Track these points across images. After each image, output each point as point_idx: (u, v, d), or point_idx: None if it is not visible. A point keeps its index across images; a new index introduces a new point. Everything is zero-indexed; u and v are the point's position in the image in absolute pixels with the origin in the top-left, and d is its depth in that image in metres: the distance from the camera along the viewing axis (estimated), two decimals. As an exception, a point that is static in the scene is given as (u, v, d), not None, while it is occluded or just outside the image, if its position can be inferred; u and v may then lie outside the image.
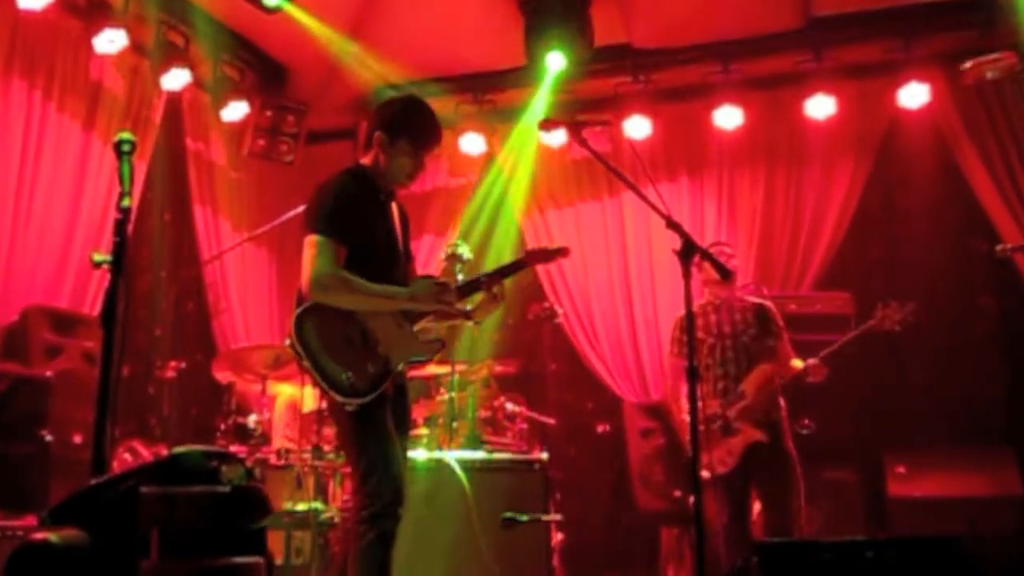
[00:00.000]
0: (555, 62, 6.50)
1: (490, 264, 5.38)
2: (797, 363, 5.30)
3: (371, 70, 6.91)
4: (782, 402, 5.33)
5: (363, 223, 3.75)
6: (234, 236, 7.18)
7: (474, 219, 7.66)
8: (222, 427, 5.71)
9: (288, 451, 5.62)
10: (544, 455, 5.47)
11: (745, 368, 5.28)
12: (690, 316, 3.60)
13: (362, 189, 3.83)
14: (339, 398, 3.57)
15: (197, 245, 7.14)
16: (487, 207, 7.71)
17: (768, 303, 5.55)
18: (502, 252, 7.38)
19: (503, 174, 7.74)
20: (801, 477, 5.21)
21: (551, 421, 6.34)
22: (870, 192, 7.20)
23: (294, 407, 6.22)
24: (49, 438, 5.00)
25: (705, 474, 5.36)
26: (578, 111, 7.31)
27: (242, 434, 5.66)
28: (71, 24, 5.93)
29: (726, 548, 5.17)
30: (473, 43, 6.93)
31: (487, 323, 6.72)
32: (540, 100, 7.16)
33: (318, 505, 5.31)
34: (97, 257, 2.94)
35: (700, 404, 5.08)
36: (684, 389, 4.90)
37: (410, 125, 3.89)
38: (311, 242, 3.65)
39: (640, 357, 7.44)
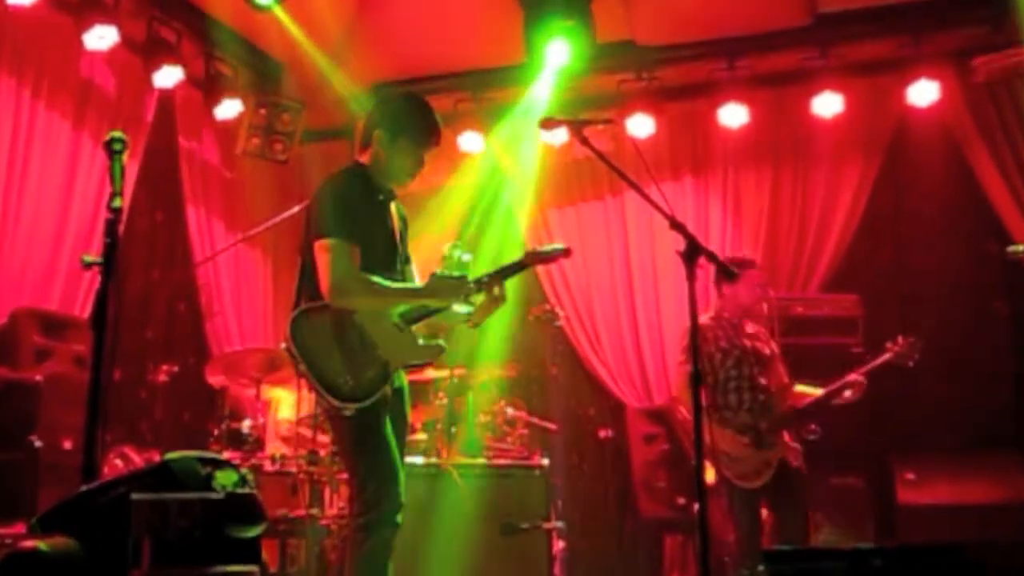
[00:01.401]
0: (557, 54, 6.48)
1: (483, 264, 5.38)
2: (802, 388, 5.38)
3: (350, 90, 6.95)
4: None
5: (363, 224, 3.76)
6: (228, 237, 7.17)
7: (466, 219, 7.67)
8: (215, 432, 5.71)
9: (283, 457, 5.62)
10: (545, 461, 5.47)
11: (768, 381, 5.33)
12: (694, 319, 3.60)
13: (361, 189, 3.84)
14: (336, 403, 3.58)
15: (190, 246, 7.13)
16: (482, 206, 7.72)
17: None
18: (500, 251, 7.35)
19: (499, 172, 7.75)
20: (805, 485, 5.26)
21: (552, 426, 6.34)
22: (879, 192, 7.20)
23: (289, 412, 6.22)
24: (38, 444, 4.99)
25: (709, 480, 5.40)
26: (580, 109, 7.31)
27: (236, 439, 5.66)
28: (60, 20, 5.93)
29: (739, 559, 5.18)
30: (472, 39, 6.93)
31: (486, 326, 6.71)
32: (541, 94, 7.13)
33: (314, 512, 5.31)
34: (87, 258, 2.95)
35: (730, 415, 5.20)
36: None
37: (410, 123, 3.90)
38: (324, 247, 3.65)
39: (643, 361, 7.44)
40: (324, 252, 3.65)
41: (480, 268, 4.03)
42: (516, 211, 7.79)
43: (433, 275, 3.84)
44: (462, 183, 7.82)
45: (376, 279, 3.68)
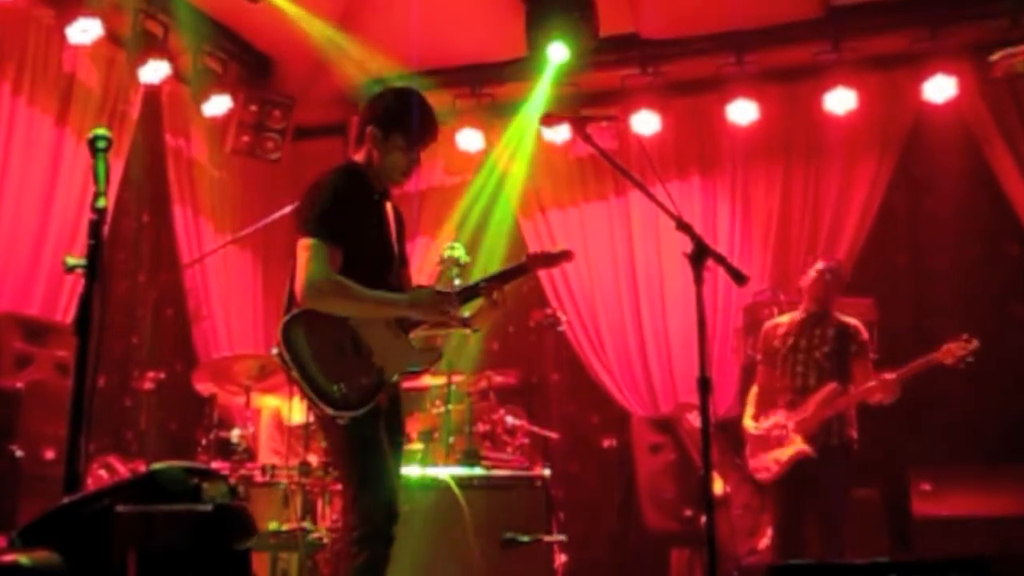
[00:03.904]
0: (557, 53, 6.50)
1: (482, 268, 5.39)
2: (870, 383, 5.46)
3: (360, 65, 6.92)
4: (852, 431, 5.52)
5: (356, 224, 3.76)
6: (216, 238, 7.18)
7: (465, 219, 7.66)
8: (203, 442, 5.70)
9: (274, 467, 5.61)
10: (546, 472, 5.46)
11: (815, 384, 5.50)
12: (701, 323, 3.59)
13: (356, 188, 3.84)
14: (329, 411, 3.57)
15: (177, 248, 7.14)
16: (479, 206, 7.71)
17: (855, 323, 5.67)
18: (496, 254, 7.33)
19: (497, 171, 7.74)
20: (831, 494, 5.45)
21: (554, 435, 6.34)
22: (894, 191, 7.20)
23: (280, 420, 6.22)
24: (19, 453, 5.00)
25: (717, 491, 5.48)
26: (583, 105, 7.32)
27: (225, 449, 5.66)
28: (42, 13, 5.94)
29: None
30: (471, 33, 6.94)
31: (485, 331, 6.72)
32: (540, 93, 7.15)
33: (306, 525, 5.31)
34: (71, 261, 2.95)
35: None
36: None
37: (403, 118, 3.90)
38: (304, 245, 3.66)
39: (648, 367, 7.44)
40: (302, 251, 3.66)
41: (474, 272, 4.04)
42: (512, 210, 7.76)
43: (416, 287, 3.85)
44: (459, 182, 7.84)
45: (353, 284, 3.67)
